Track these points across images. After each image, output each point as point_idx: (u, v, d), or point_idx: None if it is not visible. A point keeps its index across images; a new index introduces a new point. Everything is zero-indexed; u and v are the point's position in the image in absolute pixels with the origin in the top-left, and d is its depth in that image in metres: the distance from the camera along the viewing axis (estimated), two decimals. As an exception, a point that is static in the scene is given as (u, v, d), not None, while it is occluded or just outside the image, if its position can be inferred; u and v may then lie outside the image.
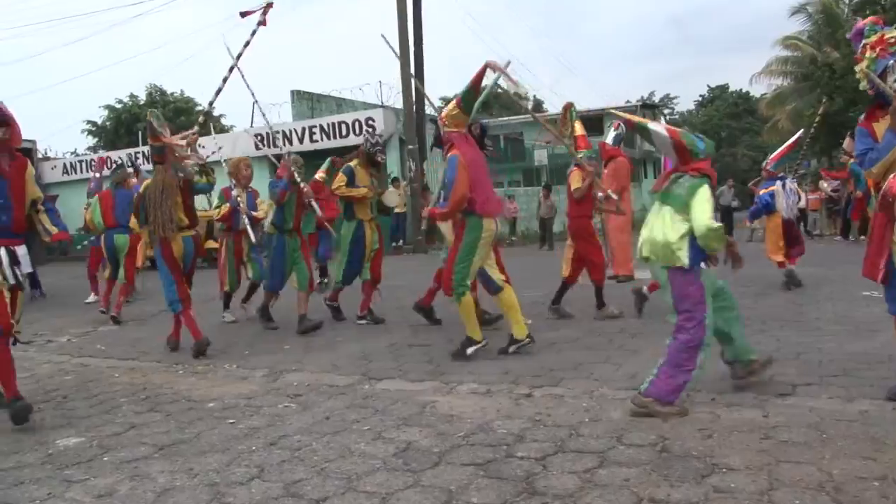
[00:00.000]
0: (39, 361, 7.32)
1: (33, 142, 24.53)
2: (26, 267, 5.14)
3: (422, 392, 5.27)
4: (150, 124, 6.93)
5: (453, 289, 6.21)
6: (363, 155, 8.42)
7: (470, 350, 6.23)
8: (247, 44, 7.77)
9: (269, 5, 7.74)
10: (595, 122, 39.46)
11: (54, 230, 5.43)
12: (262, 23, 7.76)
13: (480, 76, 6.21)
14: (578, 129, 8.91)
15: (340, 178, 8.28)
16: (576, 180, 8.40)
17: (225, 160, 10.46)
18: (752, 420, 4.18)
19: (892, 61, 4.44)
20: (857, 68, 4.67)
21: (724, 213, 20.38)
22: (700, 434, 3.97)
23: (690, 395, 4.70)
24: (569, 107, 9.08)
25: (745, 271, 10.17)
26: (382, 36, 9.49)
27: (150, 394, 5.67)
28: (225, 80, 7.59)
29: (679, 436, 3.96)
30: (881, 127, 4.43)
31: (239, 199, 9.00)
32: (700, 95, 63.85)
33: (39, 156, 26.02)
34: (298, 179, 8.26)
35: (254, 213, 9.17)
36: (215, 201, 9.34)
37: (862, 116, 4.73)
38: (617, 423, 4.26)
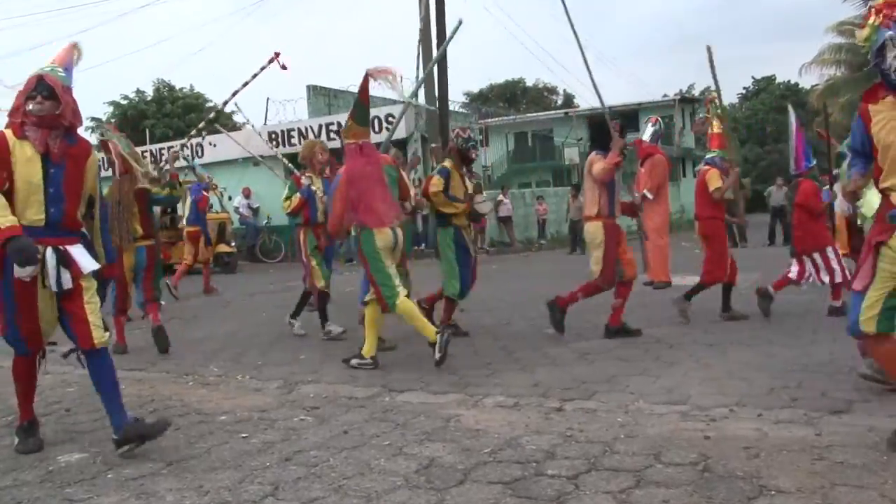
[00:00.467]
0: (40, 372, 7.35)
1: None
2: (89, 265, 4.62)
3: (445, 405, 5.26)
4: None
5: (388, 304, 6.50)
6: (456, 153, 7.88)
7: (355, 362, 6.63)
8: (254, 75, 8.19)
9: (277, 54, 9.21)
10: (630, 117, 39.42)
11: (102, 261, 4.93)
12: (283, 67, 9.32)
13: (365, 87, 6.41)
14: (716, 126, 8.77)
15: (437, 183, 7.67)
16: (714, 180, 8.31)
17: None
18: (804, 439, 4.12)
19: (892, 32, 3.88)
20: (857, 35, 4.15)
21: (773, 214, 20.12)
22: (745, 453, 3.91)
23: (734, 411, 4.67)
24: (711, 100, 9.00)
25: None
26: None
27: (157, 406, 5.70)
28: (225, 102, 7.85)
29: (722, 455, 3.91)
30: (881, 109, 3.95)
31: (314, 187, 8.37)
32: (744, 88, 63.30)
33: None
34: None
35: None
36: (285, 192, 8.52)
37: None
38: (654, 440, 4.22)
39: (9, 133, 4.41)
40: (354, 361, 6.62)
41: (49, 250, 4.41)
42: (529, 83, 61.62)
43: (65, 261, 4.47)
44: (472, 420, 4.83)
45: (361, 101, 6.45)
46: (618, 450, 4.11)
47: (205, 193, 14.77)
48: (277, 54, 9.30)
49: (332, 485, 3.80)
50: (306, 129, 21.17)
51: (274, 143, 21.53)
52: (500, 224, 23.45)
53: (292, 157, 21.52)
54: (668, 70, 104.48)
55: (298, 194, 8.31)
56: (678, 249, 15.38)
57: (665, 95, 47.18)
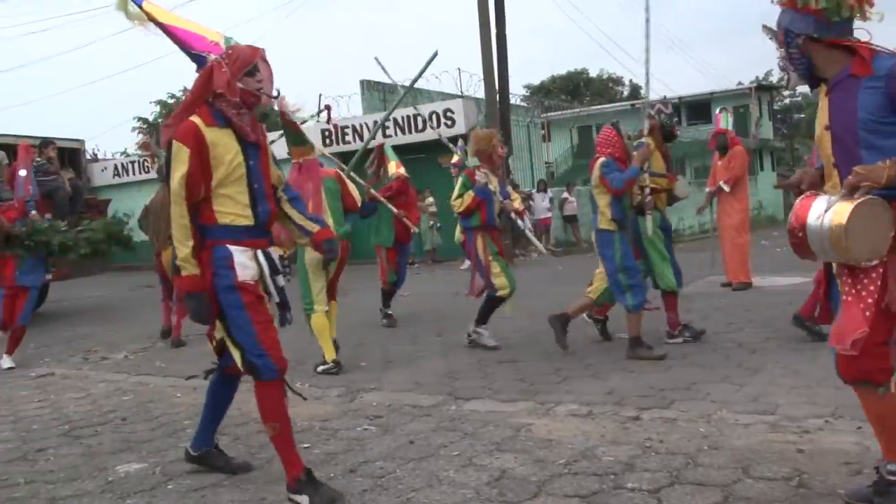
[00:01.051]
0: (94, 380, 7.56)
1: (81, 141, 25.21)
2: (281, 278, 4.17)
3: (515, 413, 5.26)
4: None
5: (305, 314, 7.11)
6: (658, 130, 7.41)
7: (321, 369, 7.12)
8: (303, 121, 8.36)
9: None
10: (701, 108, 38.97)
11: (314, 227, 4.37)
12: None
13: (284, 119, 6.52)
14: None
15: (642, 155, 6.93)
16: None
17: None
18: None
19: None
20: None
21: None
22: (846, 469, 3.82)
23: (830, 423, 4.57)
24: None
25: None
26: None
27: (216, 415, 5.77)
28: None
29: (819, 470, 3.83)
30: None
31: (491, 186, 7.83)
32: (831, 71, 61.82)
33: (88, 156, 26.76)
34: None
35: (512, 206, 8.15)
36: (457, 189, 7.98)
37: None
38: (741, 452, 4.15)
39: (199, 122, 3.84)
40: (320, 368, 7.14)
41: (261, 255, 4.01)
42: (593, 74, 61.31)
43: (276, 267, 4.09)
44: (543, 429, 4.82)
45: (287, 127, 6.73)
46: (702, 462, 4.06)
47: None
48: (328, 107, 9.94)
49: (399, 497, 3.82)
50: (360, 126, 21.29)
51: (327, 140, 21.76)
52: (565, 223, 23.33)
53: (346, 155, 21.76)
54: (744, 56, 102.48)
55: (472, 192, 7.74)
56: (758, 248, 15.16)
57: (740, 83, 46.48)
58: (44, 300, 14.00)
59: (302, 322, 10.11)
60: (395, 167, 10.30)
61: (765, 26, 3.54)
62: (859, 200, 2.92)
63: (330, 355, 7.14)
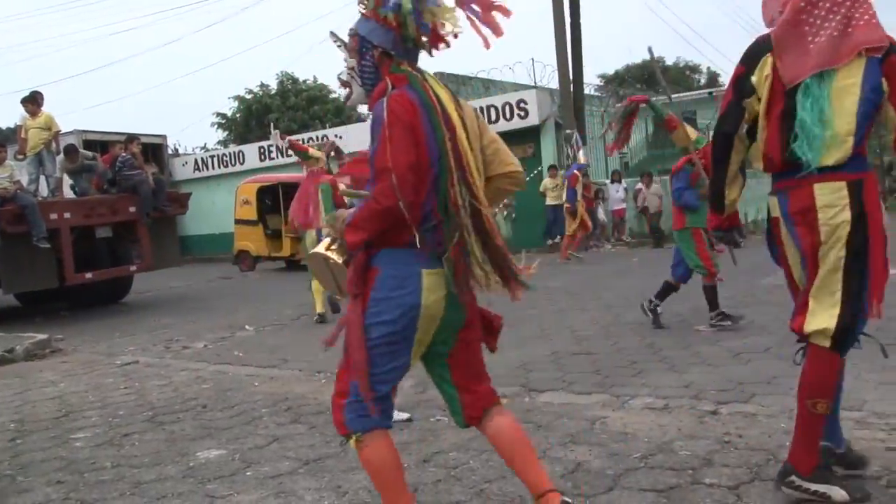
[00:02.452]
0: (176, 369, 7.72)
1: (164, 137, 25.82)
2: None
3: (589, 406, 5.20)
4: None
5: None
6: None
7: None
8: None
9: None
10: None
11: None
12: None
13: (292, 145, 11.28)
14: None
15: None
16: None
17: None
18: None
19: None
20: None
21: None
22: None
23: (915, 417, 4.42)
24: None
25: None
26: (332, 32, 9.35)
27: (291, 404, 5.86)
28: None
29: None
30: None
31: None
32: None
33: (170, 151, 27.41)
34: None
35: None
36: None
37: None
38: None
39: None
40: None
41: None
42: (669, 62, 60.36)
43: None
44: (619, 422, 4.76)
45: (293, 148, 11.07)
46: (783, 458, 3.95)
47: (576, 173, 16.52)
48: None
49: (472, 488, 3.82)
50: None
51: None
52: (640, 214, 23.02)
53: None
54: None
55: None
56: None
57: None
58: (128, 291, 14.40)
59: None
60: None
61: (332, 32, 3.26)
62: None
63: (319, 309, 9.89)
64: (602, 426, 4.71)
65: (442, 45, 3.00)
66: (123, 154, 13.52)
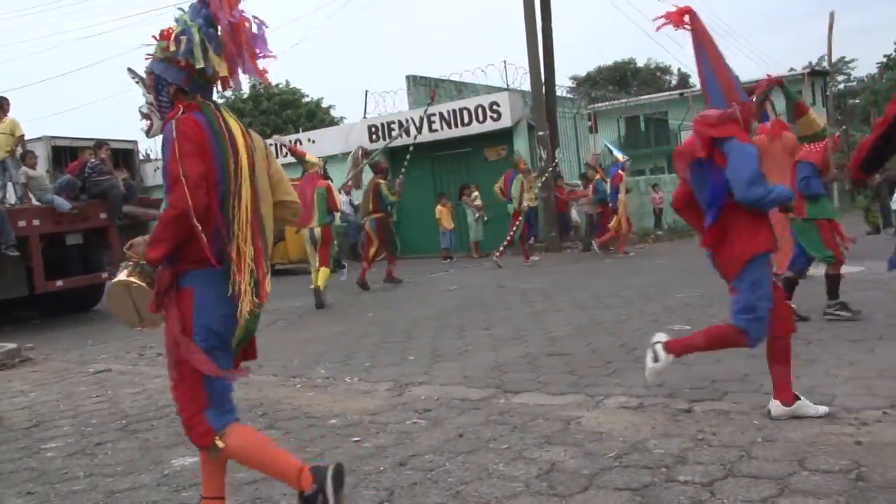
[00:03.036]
0: (150, 376, 7.66)
1: (134, 142, 25.56)
2: None
3: (564, 406, 5.22)
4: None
5: None
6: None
7: None
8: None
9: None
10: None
11: None
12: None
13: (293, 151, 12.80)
14: None
15: None
16: None
17: None
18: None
19: None
20: None
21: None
22: (911, 459, 3.74)
23: (888, 414, 4.47)
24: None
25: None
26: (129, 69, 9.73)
27: (267, 409, 5.84)
28: None
29: (878, 462, 3.74)
30: None
31: None
32: (884, 55, 60.40)
33: (141, 157, 27.16)
34: None
35: None
36: None
37: None
38: (797, 445, 4.08)
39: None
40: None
41: None
42: (641, 63, 60.79)
43: None
44: (593, 422, 4.78)
45: (293, 153, 13.20)
46: (756, 455, 3.99)
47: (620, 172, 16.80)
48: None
49: (449, 490, 3.82)
50: (407, 121, 21.33)
51: (374, 136, 21.83)
52: (612, 215, 23.14)
53: (394, 151, 21.76)
54: (796, 41, 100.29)
55: None
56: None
57: (792, 69, 45.62)
58: (100, 298, 14.27)
59: (348, 319, 10.23)
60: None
61: (129, 69, 3.60)
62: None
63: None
64: (577, 426, 4.72)
65: (230, 84, 3.38)
66: (92, 160, 13.40)
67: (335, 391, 6.28)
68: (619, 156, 17.48)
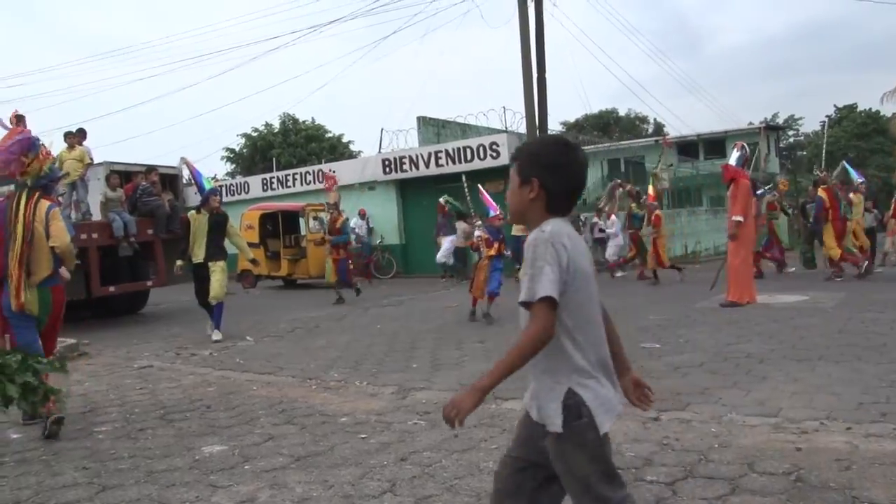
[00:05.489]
0: (185, 373, 7.66)
1: (179, 168, 25.69)
2: None
3: (548, 413, 5.21)
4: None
5: None
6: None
7: None
8: None
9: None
10: (717, 144, 38.49)
11: None
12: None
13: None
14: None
15: None
16: None
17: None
18: (895, 453, 3.93)
19: None
20: None
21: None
22: (837, 465, 3.76)
23: (825, 424, 4.49)
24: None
25: (875, 297, 9.73)
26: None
27: (286, 407, 5.84)
28: None
29: (814, 466, 3.77)
30: None
31: None
32: (826, 116, 60.95)
33: (184, 181, 27.31)
34: None
35: None
36: None
37: None
38: (747, 450, 4.10)
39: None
40: None
41: None
42: (622, 113, 60.94)
43: None
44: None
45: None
46: (713, 458, 4.01)
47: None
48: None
49: (444, 484, 3.83)
50: (416, 157, 21.40)
51: (387, 169, 21.90)
52: (595, 244, 23.14)
53: (404, 182, 21.78)
54: (754, 98, 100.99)
55: None
56: (767, 269, 14.95)
57: (750, 123, 45.78)
58: (145, 303, 14.31)
59: (359, 329, 10.23)
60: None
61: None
62: None
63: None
64: (558, 430, 4.72)
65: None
66: (144, 183, 13.48)
67: (346, 393, 6.28)
68: (855, 177, 15.95)
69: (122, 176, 13.76)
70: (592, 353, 2.24)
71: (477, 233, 10.77)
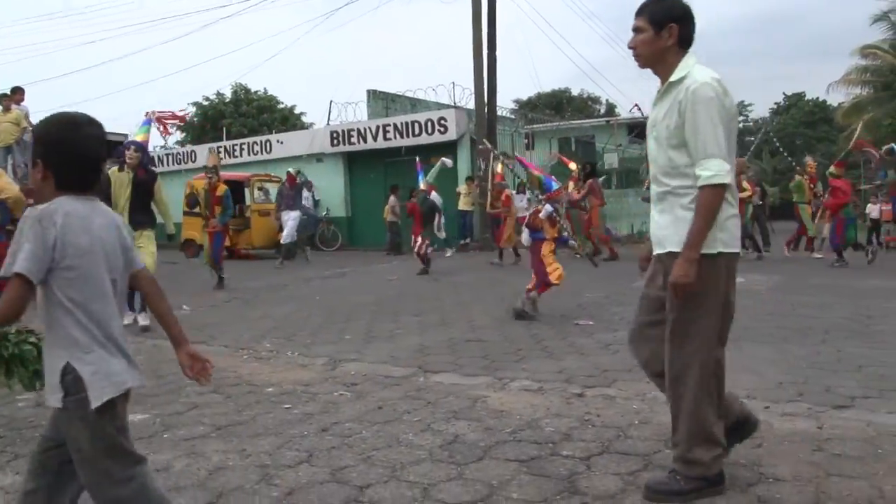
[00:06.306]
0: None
1: (125, 135, 25.07)
2: None
3: (474, 387, 5.23)
4: None
5: None
6: None
7: None
8: None
9: None
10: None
11: None
12: None
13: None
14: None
15: None
16: None
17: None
18: (806, 431, 4.02)
19: None
20: None
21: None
22: (750, 442, 3.80)
23: (742, 403, 4.56)
24: None
25: (810, 280, 9.95)
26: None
27: (214, 376, 5.70)
28: None
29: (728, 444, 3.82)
30: None
31: None
32: (775, 103, 62.03)
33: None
34: None
35: None
36: None
37: None
38: (666, 427, 4.08)
39: None
40: None
41: None
42: (575, 92, 61.17)
43: None
44: (497, 402, 4.80)
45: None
46: (631, 435, 4.05)
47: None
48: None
49: (361, 455, 3.80)
50: (364, 130, 21.23)
51: (335, 141, 21.70)
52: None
53: (351, 155, 21.58)
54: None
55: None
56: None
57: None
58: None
59: (297, 301, 10.14)
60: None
61: None
62: None
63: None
64: (482, 404, 4.73)
65: None
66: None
67: (276, 363, 6.22)
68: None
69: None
70: (97, 327, 2.31)
71: (545, 210, 8.34)
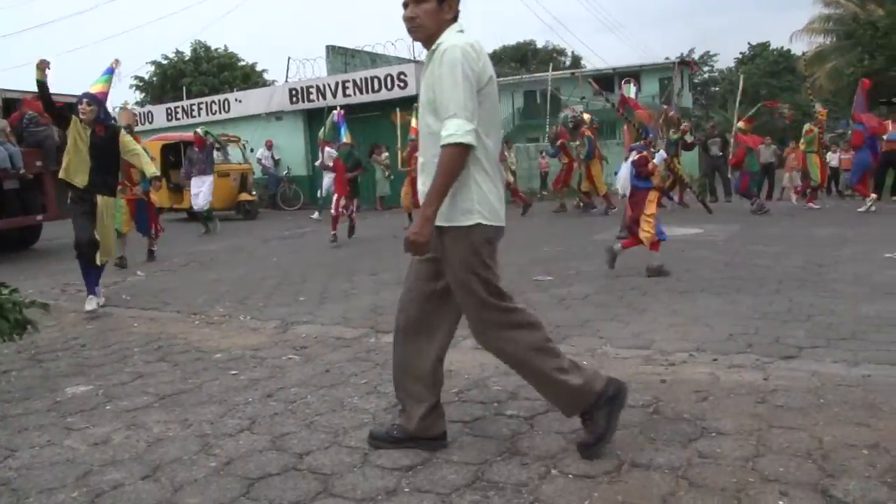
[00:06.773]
0: (67, 311, 7.35)
1: (76, 97, 24.58)
2: None
3: (426, 347, 5.16)
4: None
5: None
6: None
7: None
8: None
9: None
10: (632, 77, 39.00)
11: None
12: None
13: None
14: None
15: None
16: None
17: None
18: (752, 383, 4.01)
19: None
20: None
21: (763, 170, 19.60)
22: (696, 396, 3.82)
23: (693, 356, 4.57)
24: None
25: (768, 230, 10.03)
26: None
27: (162, 344, 5.65)
28: None
29: (674, 398, 3.81)
30: None
31: None
32: (740, 53, 62.02)
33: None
34: None
35: None
36: None
37: None
38: (614, 383, 4.12)
39: None
40: None
41: None
42: (540, 45, 60.82)
43: None
44: (447, 361, 4.72)
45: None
46: (577, 391, 4.02)
47: None
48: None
49: (304, 420, 3.74)
50: (324, 87, 20.90)
51: (294, 99, 21.36)
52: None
53: (311, 113, 21.26)
54: (674, 36, 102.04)
55: None
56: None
57: (667, 58, 46.30)
58: (37, 238, 13.70)
59: (254, 262, 10.02)
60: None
61: None
62: None
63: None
64: (432, 364, 4.68)
65: None
66: (30, 112, 12.73)
67: (227, 328, 6.12)
68: None
69: (17, 104, 13.01)
70: None
71: (659, 156, 7.85)
